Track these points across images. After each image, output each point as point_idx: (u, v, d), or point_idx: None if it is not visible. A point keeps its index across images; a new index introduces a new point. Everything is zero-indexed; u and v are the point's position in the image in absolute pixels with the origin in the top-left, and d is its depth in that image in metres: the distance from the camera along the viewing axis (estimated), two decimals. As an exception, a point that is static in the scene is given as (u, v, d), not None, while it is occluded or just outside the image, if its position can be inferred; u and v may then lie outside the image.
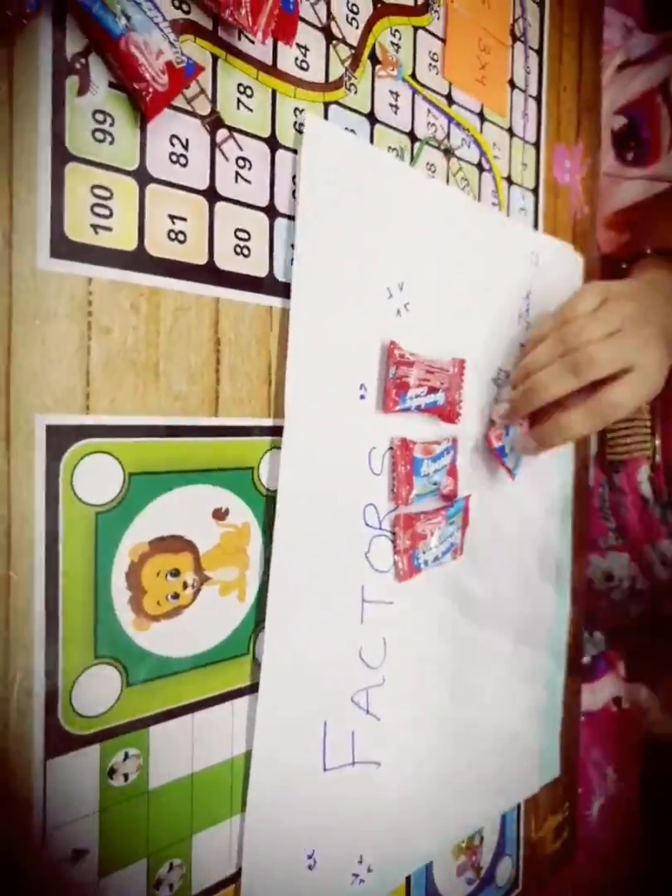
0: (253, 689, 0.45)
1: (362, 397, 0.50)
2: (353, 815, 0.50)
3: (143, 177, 0.39)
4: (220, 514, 0.43)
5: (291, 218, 0.45)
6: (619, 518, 0.78)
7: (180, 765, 0.41)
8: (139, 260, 0.39)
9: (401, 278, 0.52)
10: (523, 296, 0.64)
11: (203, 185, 0.41)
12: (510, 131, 0.63)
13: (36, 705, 0.35)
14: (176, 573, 0.41)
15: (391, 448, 0.52)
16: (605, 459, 0.78)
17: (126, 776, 0.39)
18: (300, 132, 0.46)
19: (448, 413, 0.56)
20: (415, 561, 0.53)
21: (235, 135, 0.43)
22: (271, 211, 0.45)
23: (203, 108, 0.42)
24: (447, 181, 0.57)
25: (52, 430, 0.36)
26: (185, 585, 0.41)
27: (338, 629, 0.49)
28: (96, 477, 0.37)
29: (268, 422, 0.45)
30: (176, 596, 0.41)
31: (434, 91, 0.56)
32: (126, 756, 0.39)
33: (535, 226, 0.66)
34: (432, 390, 0.54)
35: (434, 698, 0.57)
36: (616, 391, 0.53)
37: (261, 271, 0.44)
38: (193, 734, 0.42)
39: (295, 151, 0.46)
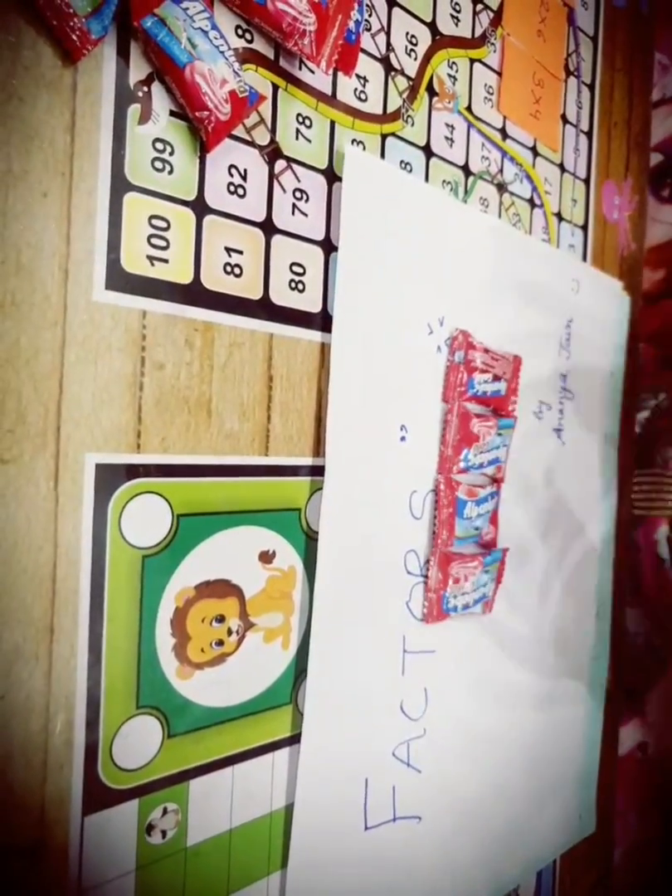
0: (293, 740, 0.43)
1: (403, 439, 0.48)
2: (392, 874, 0.48)
3: (200, 208, 0.38)
4: (266, 557, 0.41)
5: (346, 252, 0.44)
6: (634, 574, 0.75)
7: (219, 820, 0.40)
8: (195, 293, 0.37)
9: (441, 313, 0.50)
10: (564, 324, 0.62)
11: (260, 217, 0.40)
12: (561, 167, 0.62)
13: (76, 758, 0.34)
14: (221, 619, 0.39)
15: (434, 488, 0.50)
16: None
17: (164, 833, 0.37)
18: (357, 164, 0.45)
19: (505, 404, 0.54)
20: (444, 604, 0.50)
21: (293, 166, 0.42)
22: (326, 245, 0.43)
23: (262, 138, 0.40)
24: (499, 216, 0.56)
25: (101, 470, 0.34)
26: (229, 632, 0.39)
27: (379, 682, 0.47)
28: (145, 519, 0.36)
29: (315, 461, 0.43)
30: (220, 643, 0.39)
31: (489, 124, 0.55)
32: (165, 811, 0.37)
33: (584, 261, 0.65)
34: (496, 378, 0.52)
35: (473, 749, 0.55)
36: None
37: (314, 307, 0.43)
38: (233, 788, 0.40)
39: (351, 183, 0.45)
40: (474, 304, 0.52)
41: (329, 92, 0.44)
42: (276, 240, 0.41)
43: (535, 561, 0.60)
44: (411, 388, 0.48)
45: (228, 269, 0.39)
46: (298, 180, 0.42)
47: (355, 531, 0.45)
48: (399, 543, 0.48)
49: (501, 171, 0.56)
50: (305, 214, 0.42)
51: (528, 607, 0.60)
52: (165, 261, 0.36)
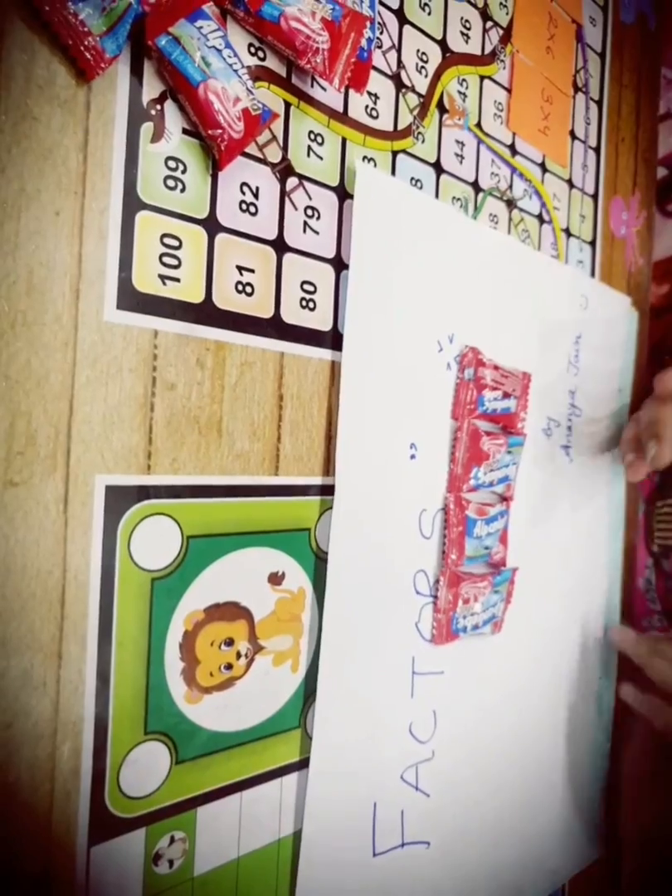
0: (302, 764, 0.42)
1: (412, 457, 0.47)
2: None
3: (212, 226, 0.37)
4: (276, 579, 0.40)
5: (356, 269, 0.44)
6: (665, 603, 0.74)
7: (227, 848, 0.39)
8: (206, 313, 0.37)
9: (451, 330, 0.50)
10: (573, 340, 0.62)
11: (272, 235, 0.40)
12: (570, 182, 0.62)
13: (83, 786, 0.33)
14: (230, 642, 0.38)
15: (443, 507, 0.49)
16: (652, 542, 0.75)
17: (171, 862, 0.36)
18: (368, 182, 0.44)
19: (514, 421, 0.54)
20: (454, 624, 0.50)
21: (305, 183, 0.42)
22: (337, 263, 0.43)
23: (274, 155, 0.40)
24: (508, 232, 0.56)
25: (111, 492, 0.34)
26: (238, 655, 0.39)
27: (388, 704, 0.46)
28: (155, 541, 0.35)
29: (326, 480, 0.43)
30: (229, 667, 0.38)
31: (498, 141, 0.54)
32: (172, 840, 0.36)
33: (592, 277, 0.65)
34: (506, 395, 0.52)
35: (482, 772, 0.54)
36: None
37: (325, 325, 0.43)
38: (241, 814, 0.39)
39: (362, 201, 0.44)
40: (484, 320, 0.52)
41: (340, 109, 0.43)
42: (288, 258, 0.41)
43: (544, 580, 0.60)
44: (421, 405, 0.48)
45: (240, 287, 0.38)
46: (310, 198, 0.42)
47: (365, 551, 0.44)
48: (409, 563, 0.47)
49: (511, 187, 0.56)
50: (317, 232, 0.42)
51: (537, 627, 0.59)
52: (177, 280, 0.36)
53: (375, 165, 0.45)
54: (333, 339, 0.43)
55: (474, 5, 0.52)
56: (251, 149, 0.39)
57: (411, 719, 0.48)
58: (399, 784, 0.47)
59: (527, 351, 0.56)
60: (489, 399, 0.51)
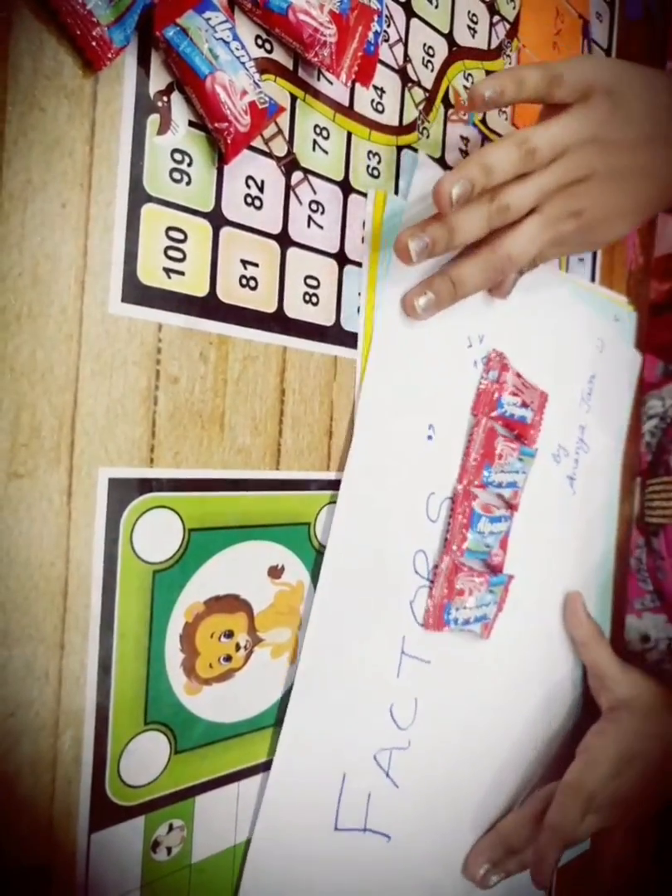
0: (299, 755, 0.43)
1: (429, 438, 0.48)
2: (358, 884, 0.47)
3: (217, 219, 0.37)
4: (275, 572, 0.41)
5: (360, 265, 0.44)
6: (656, 582, 0.75)
7: (224, 836, 0.39)
8: (210, 307, 0.37)
9: (482, 331, 0.51)
10: (588, 379, 0.63)
11: (276, 229, 0.40)
12: (573, 178, 0.62)
13: (83, 775, 0.33)
14: (229, 634, 0.39)
15: (452, 496, 0.50)
16: (643, 520, 0.75)
17: (169, 850, 0.37)
18: (373, 176, 0.45)
19: (529, 431, 0.54)
20: (446, 613, 0.50)
21: (310, 177, 0.42)
22: (341, 258, 0.43)
23: (280, 149, 0.40)
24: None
25: (114, 484, 0.34)
26: (238, 647, 0.39)
27: (373, 677, 0.46)
28: (157, 533, 0.35)
29: (326, 475, 0.43)
30: (228, 658, 0.39)
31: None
32: (170, 828, 0.37)
33: (592, 277, 0.65)
34: (524, 404, 0.53)
35: (456, 772, 0.53)
36: (509, 239, 0.44)
37: (328, 320, 0.43)
38: (238, 803, 0.40)
39: (366, 195, 0.44)
40: (511, 333, 0.53)
41: (346, 103, 0.43)
42: (292, 252, 0.41)
43: (536, 596, 0.60)
44: (444, 393, 0.49)
45: (244, 281, 0.38)
46: (314, 192, 0.42)
47: (368, 528, 0.45)
48: (411, 543, 0.48)
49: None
50: (321, 227, 0.42)
51: (527, 640, 0.59)
52: (182, 273, 0.36)
53: (380, 161, 0.45)
54: (336, 335, 0.43)
55: (481, -1, 0.52)
56: (257, 142, 0.39)
57: (393, 700, 0.48)
58: (371, 763, 0.46)
59: (545, 374, 0.57)
60: (508, 403, 0.52)
